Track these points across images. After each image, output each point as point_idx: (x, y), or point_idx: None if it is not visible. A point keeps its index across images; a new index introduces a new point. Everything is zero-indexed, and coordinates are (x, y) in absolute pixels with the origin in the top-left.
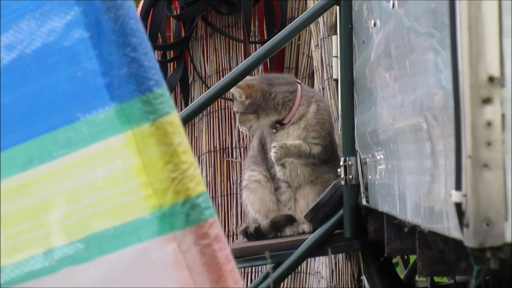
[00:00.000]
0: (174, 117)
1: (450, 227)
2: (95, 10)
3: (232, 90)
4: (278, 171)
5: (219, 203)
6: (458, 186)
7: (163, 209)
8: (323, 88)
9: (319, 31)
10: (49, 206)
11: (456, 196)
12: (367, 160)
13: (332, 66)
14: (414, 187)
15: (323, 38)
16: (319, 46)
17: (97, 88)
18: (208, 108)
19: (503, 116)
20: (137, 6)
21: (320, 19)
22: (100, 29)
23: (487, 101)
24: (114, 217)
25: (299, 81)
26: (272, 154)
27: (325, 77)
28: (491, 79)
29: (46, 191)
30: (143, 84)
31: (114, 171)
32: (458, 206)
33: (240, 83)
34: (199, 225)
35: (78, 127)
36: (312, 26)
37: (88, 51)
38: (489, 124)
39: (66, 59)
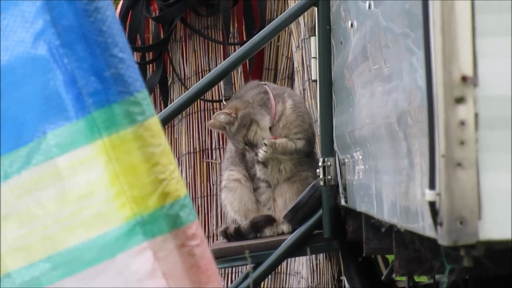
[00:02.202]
0: (157, 118)
1: (425, 226)
2: (70, 16)
3: (220, 121)
4: (259, 170)
5: (199, 204)
6: (432, 185)
7: (137, 217)
8: (303, 89)
9: (300, 32)
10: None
11: (430, 195)
12: (346, 160)
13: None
14: (390, 186)
15: (304, 39)
16: (300, 47)
17: (66, 99)
18: (188, 110)
19: (476, 115)
20: (115, 7)
21: (301, 20)
22: (75, 35)
23: (460, 100)
24: (87, 230)
25: (264, 82)
26: (261, 152)
27: (306, 78)
28: (464, 79)
29: None
30: (131, 84)
31: (83, 183)
32: (432, 204)
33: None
34: (188, 226)
35: (44, 141)
36: (293, 27)
37: (58, 60)
38: (462, 123)
39: (38, 69)
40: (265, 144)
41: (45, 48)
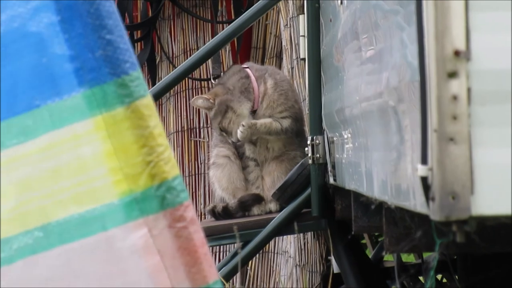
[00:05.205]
0: (149, 100)
1: (416, 203)
2: None
3: (198, 105)
4: (248, 149)
5: (187, 183)
6: (424, 160)
7: (133, 194)
8: (292, 68)
9: (288, 10)
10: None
11: (422, 170)
12: (334, 138)
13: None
14: (380, 163)
15: (292, 17)
16: (288, 25)
17: (64, 74)
18: (176, 88)
19: (469, 89)
20: None
21: None
22: (73, 12)
23: (452, 75)
24: (79, 205)
25: (245, 66)
26: (238, 133)
27: (294, 57)
28: (456, 53)
29: None
30: (119, 66)
31: (80, 158)
32: (424, 180)
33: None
34: (175, 208)
35: (38, 114)
36: (281, 5)
37: (58, 35)
38: (455, 98)
39: (31, 45)
40: (243, 125)
41: (43, 23)
